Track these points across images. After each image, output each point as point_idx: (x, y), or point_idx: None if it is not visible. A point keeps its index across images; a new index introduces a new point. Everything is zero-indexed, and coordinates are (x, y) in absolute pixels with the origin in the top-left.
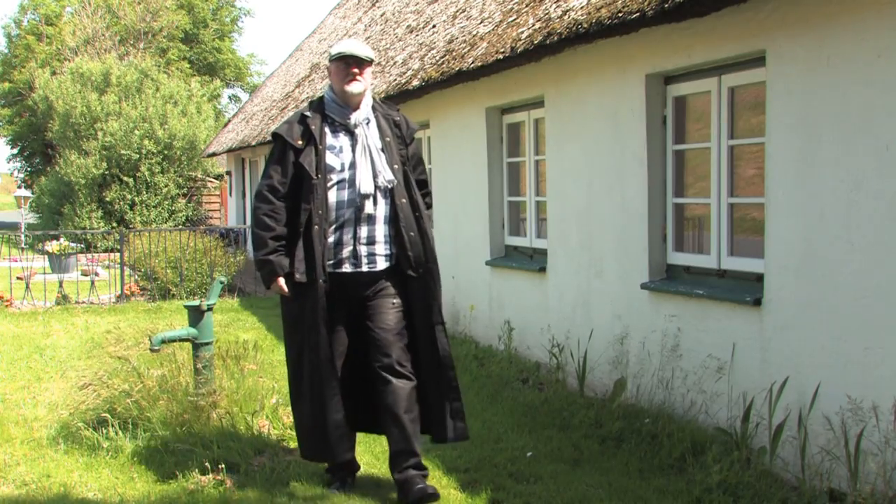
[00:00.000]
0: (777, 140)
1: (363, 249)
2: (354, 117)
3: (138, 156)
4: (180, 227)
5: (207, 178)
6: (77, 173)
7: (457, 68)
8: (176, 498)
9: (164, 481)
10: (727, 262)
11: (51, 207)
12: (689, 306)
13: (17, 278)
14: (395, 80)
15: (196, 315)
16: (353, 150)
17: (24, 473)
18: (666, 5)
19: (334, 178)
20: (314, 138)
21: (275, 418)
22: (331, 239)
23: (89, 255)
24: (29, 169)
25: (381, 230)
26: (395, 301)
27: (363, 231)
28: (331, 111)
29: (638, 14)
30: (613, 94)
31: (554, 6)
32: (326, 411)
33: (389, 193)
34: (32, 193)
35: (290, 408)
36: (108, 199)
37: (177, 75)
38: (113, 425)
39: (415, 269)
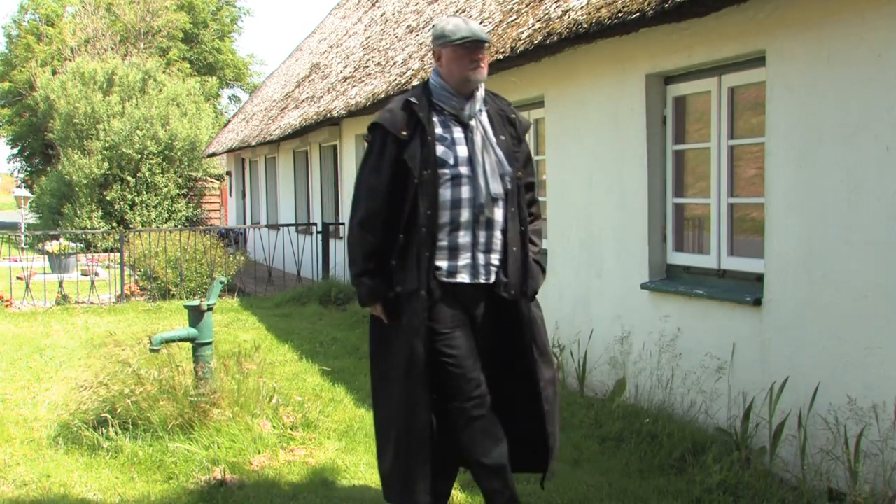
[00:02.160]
0: (777, 140)
1: (481, 258)
2: (469, 108)
3: (139, 156)
4: (180, 227)
5: (207, 178)
6: (79, 173)
7: None
8: (176, 498)
9: (164, 481)
10: (727, 262)
11: (51, 207)
12: (689, 306)
13: (17, 278)
14: (395, 80)
15: (196, 315)
16: (468, 144)
17: (24, 473)
18: (666, 5)
19: (447, 172)
20: (422, 127)
21: (275, 418)
22: (443, 243)
23: (89, 255)
24: (29, 169)
25: (498, 238)
26: (487, 337)
27: (482, 236)
28: (440, 99)
29: (638, 14)
30: (613, 94)
31: (554, 6)
32: (415, 448)
33: (504, 198)
34: (32, 193)
35: (290, 408)
36: (108, 198)
37: (177, 75)
38: (113, 425)
39: (508, 290)
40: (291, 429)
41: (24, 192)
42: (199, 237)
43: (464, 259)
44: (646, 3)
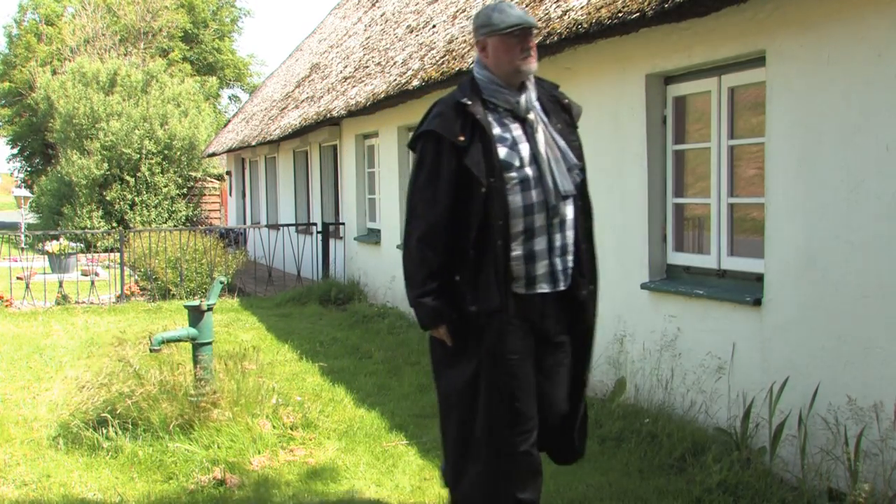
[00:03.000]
0: (777, 140)
1: (559, 263)
2: (525, 100)
3: (139, 156)
4: (180, 227)
5: (207, 178)
6: (78, 173)
7: (457, 68)
8: (176, 498)
9: (164, 481)
10: (727, 262)
11: (51, 207)
12: (689, 306)
13: (17, 278)
14: (395, 80)
15: (196, 315)
16: (530, 141)
17: (24, 473)
18: (666, 5)
19: (514, 176)
20: (481, 129)
21: (275, 418)
22: (518, 252)
23: (89, 255)
24: (29, 169)
25: (570, 238)
26: (566, 347)
27: (557, 239)
28: (490, 94)
29: (638, 14)
30: (613, 94)
31: (554, 6)
32: (505, 469)
33: (574, 193)
34: (32, 193)
35: (290, 408)
36: (108, 198)
37: (178, 76)
38: (113, 425)
39: (582, 291)
40: (291, 429)
41: (24, 192)
42: (199, 237)
43: (542, 267)
44: (646, 3)
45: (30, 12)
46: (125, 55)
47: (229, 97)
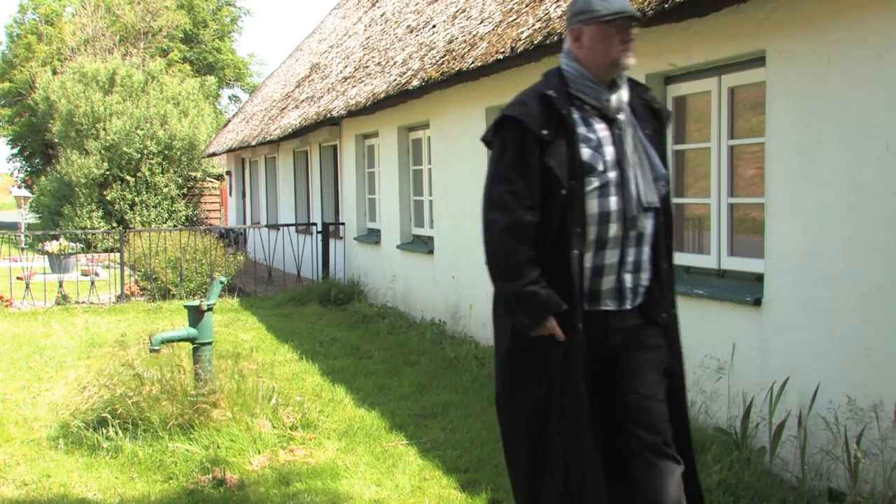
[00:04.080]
0: (777, 140)
1: (629, 279)
2: (616, 99)
3: (139, 156)
4: (180, 227)
5: (207, 178)
6: (78, 173)
7: (457, 68)
8: (176, 498)
9: (164, 481)
10: (727, 262)
11: (51, 207)
12: (689, 306)
13: (17, 278)
14: (395, 80)
15: (196, 315)
16: (616, 144)
17: (24, 473)
18: (666, 5)
19: (594, 181)
20: (565, 126)
21: (275, 418)
22: (587, 265)
23: (89, 255)
24: (29, 169)
25: (647, 254)
26: (655, 356)
27: (630, 253)
28: (578, 89)
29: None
30: None
31: (554, 6)
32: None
33: (657, 206)
34: (32, 193)
35: (290, 408)
36: (108, 198)
37: (178, 76)
38: (113, 425)
39: (659, 313)
40: (291, 429)
41: (23, 192)
42: (199, 237)
43: (608, 282)
44: (646, 3)
45: (30, 12)
46: (125, 55)
47: (229, 97)
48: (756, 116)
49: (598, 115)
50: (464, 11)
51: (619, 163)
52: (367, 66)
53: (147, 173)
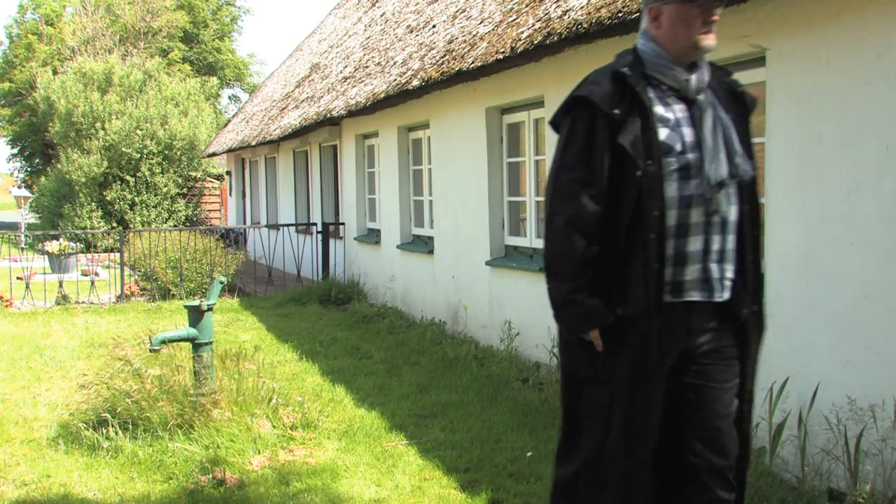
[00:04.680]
0: (777, 140)
1: (715, 269)
2: (696, 80)
3: (139, 155)
4: (180, 227)
5: (207, 178)
6: (78, 172)
7: (457, 68)
8: (176, 498)
9: (164, 481)
10: None
11: (51, 207)
12: None
13: (17, 278)
14: (395, 80)
15: (196, 315)
16: (696, 125)
17: (24, 473)
18: None
19: (673, 163)
20: (640, 105)
21: (275, 418)
22: (669, 251)
23: (89, 255)
24: (29, 169)
25: (732, 243)
26: (734, 370)
27: (715, 241)
28: (657, 70)
29: (638, 14)
30: None
31: (554, 6)
32: None
33: (738, 193)
34: (32, 193)
35: (290, 408)
36: (108, 198)
37: (178, 76)
38: (113, 425)
39: (744, 309)
40: (291, 429)
41: (23, 192)
42: (199, 237)
43: (692, 271)
44: None
45: (30, 12)
46: (125, 55)
47: (229, 97)
48: (756, 116)
49: (676, 96)
50: (464, 11)
51: (699, 145)
52: (367, 66)
53: (147, 173)
